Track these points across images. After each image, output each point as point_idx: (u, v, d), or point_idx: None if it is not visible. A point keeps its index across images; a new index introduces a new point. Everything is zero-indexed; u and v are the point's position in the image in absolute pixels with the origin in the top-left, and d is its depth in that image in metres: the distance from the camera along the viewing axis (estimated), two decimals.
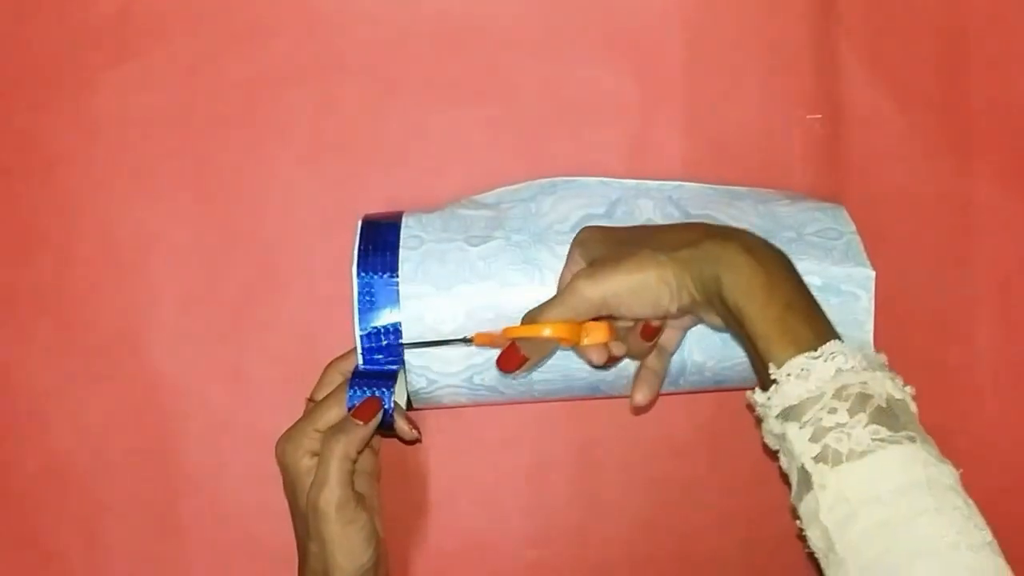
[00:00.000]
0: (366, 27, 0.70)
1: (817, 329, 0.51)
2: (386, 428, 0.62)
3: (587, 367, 0.60)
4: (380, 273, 0.62)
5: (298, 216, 0.70)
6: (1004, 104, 0.71)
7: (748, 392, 0.52)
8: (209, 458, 0.69)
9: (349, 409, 0.60)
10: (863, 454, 0.47)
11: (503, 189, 0.67)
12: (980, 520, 0.47)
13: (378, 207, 0.67)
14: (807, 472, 0.48)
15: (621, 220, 0.64)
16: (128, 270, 0.69)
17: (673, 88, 0.70)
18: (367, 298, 0.62)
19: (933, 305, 0.71)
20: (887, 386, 0.49)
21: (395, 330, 0.62)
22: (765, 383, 0.51)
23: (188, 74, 0.70)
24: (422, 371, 0.62)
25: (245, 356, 0.69)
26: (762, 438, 0.52)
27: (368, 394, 0.61)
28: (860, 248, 0.63)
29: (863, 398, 0.48)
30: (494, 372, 0.60)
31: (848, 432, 0.47)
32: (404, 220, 0.64)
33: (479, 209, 0.65)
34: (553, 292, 0.61)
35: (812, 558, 0.49)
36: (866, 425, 0.47)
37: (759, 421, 0.52)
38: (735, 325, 0.52)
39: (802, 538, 0.49)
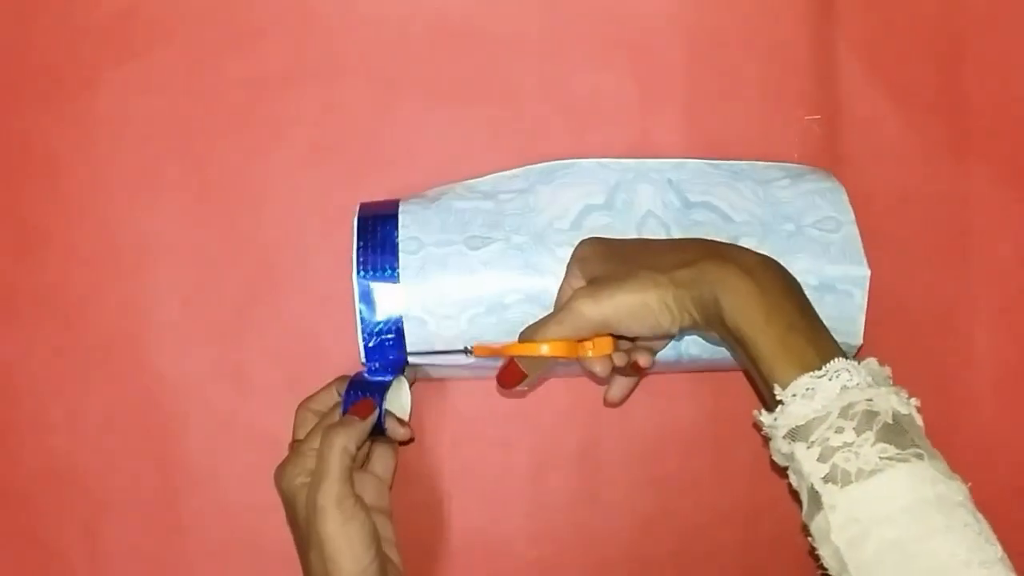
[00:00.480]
0: (366, 27, 0.70)
1: (820, 348, 0.51)
2: (378, 432, 0.62)
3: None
4: (380, 276, 0.62)
5: (298, 216, 0.70)
6: (1003, 104, 0.71)
7: (755, 412, 0.52)
8: (209, 458, 0.69)
9: (344, 410, 0.61)
10: (872, 473, 0.47)
11: (499, 174, 0.66)
12: (991, 536, 0.47)
13: None
14: (817, 492, 0.48)
15: (621, 211, 0.63)
16: (128, 270, 0.69)
17: (673, 88, 0.70)
18: (368, 302, 0.62)
19: (932, 305, 0.71)
20: (892, 401, 0.49)
21: (397, 332, 0.62)
22: (770, 404, 0.51)
23: (188, 74, 0.70)
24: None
25: (245, 356, 0.69)
26: (770, 456, 0.52)
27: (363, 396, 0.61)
28: (857, 243, 0.63)
29: (869, 415, 0.48)
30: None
31: (856, 451, 0.47)
32: (401, 218, 0.63)
33: (475, 199, 0.64)
34: (554, 293, 0.61)
35: None
36: (873, 443, 0.47)
37: (767, 440, 0.52)
38: (737, 346, 0.52)
39: (815, 556, 0.49)
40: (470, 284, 0.62)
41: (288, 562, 0.61)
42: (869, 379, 0.49)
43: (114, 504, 0.69)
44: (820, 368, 0.49)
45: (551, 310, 0.60)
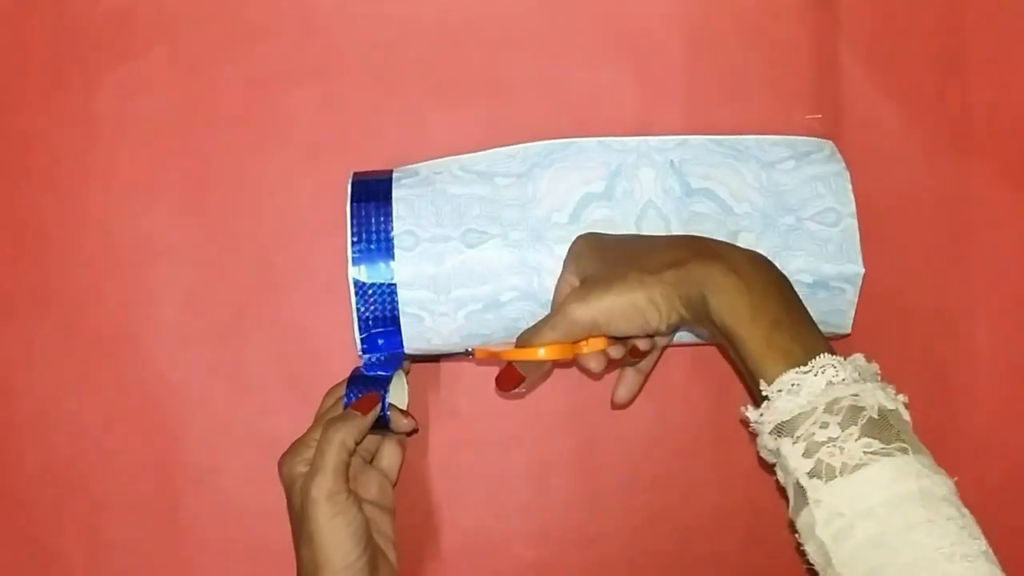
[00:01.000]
0: (366, 27, 0.70)
1: (806, 343, 0.51)
2: (382, 426, 0.62)
3: None
4: (375, 271, 0.62)
5: (298, 216, 0.70)
6: (1003, 104, 0.71)
7: (742, 408, 0.53)
8: (209, 458, 0.69)
9: (346, 406, 0.61)
10: (856, 468, 0.47)
11: (495, 151, 0.65)
12: (975, 529, 0.47)
13: None
14: (802, 487, 0.49)
15: (620, 200, 0.63)
16: (128, 270, 0.69)
17: (673, 87, 0.70)
18: (364, 299, 0.62)
19: (932, 305, 0.71)
20: (879, 397, 0.49)
21: (393, 325, 0.62)
22: (757, 400, 0.51)
23: (188, 74, 0.70)
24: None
25: (245, 356, 0.69)
26: (757, 453, 0.52)
27: (366, 391, 0.61)
28: (855, 238, 0.63)
29: (855, 411, 0.48)
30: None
31: (840, 446, 0.48)
32: (396, 207, 0.62)
33: (471, 183, 0.63)
34: (551, 290, 0.61)
35: (812, 572, 0.49)
36: (858, 438, 0.48)
37: (754, 436, 0.52)
38: (725, 343, 0.53)
39: (801, 552, 0.50)
40: (467, 281, 0.62)
41: (288, 562, 0.61)
42: (855, 375, 0.50)
43: (114, 504, 0.69)
44: (806, 364, 0.50)
45: (548, 307, 0.61)
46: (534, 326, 0.58)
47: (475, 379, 0.69)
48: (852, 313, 0.64)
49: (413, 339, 0.62)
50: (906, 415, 0.50)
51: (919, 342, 0.70)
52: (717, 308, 0.52)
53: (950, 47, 0.71)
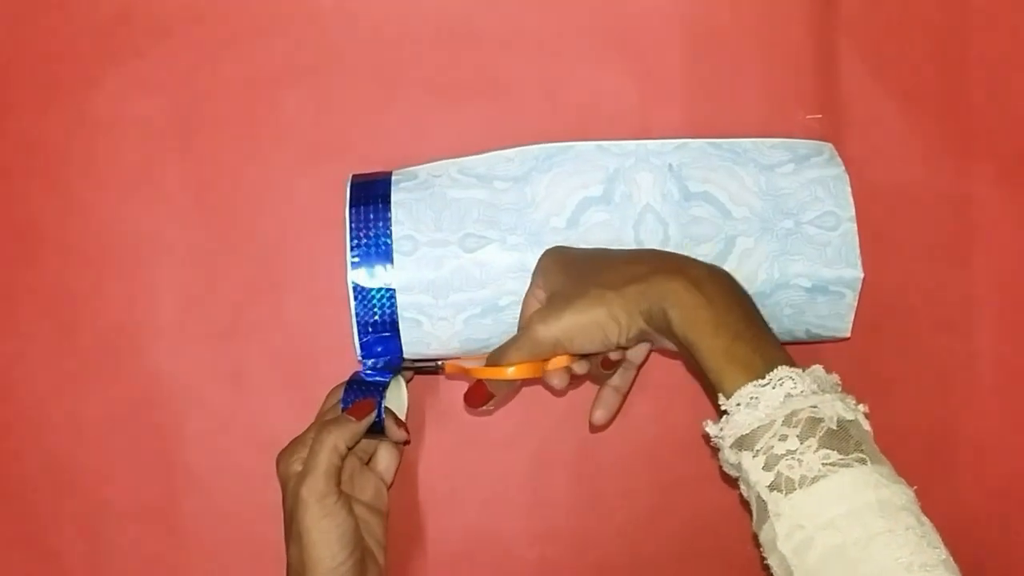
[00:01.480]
0: (366, 27, 0.70)
1: (766, 355, 0.51)
2: (377, 431, 0.62)
3: None
4: (374, 275, 0.62)
5: (298, 216, 0.70)
6: (1004, 104, 0.71)
7: (703, 422, 0.53)
8: (209, 458, 0.69)
9: (342, 410, 0.61)
10: (815, 480, 0.47)
11: (494, 154, 0.65)
12: (935, 538, 0.47)
13: None
14: (763, 501, 0.49)
15: (619, 205, 0.63)
16: (128, 270, 0.69)
17: (673, 87, 0.70)
18: (363, 303, 0.62)
19: (933, 305, 0.71)
20: (837, 408, 0.49)
21: (392, 329, 0.62)
22: (719, 413, 0.51)
23: (188, 74, 0.70)
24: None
25: (245, 356, 0.69)
26: (720, 468, 0.53)
27: (363, 396, 0.61)
28: (854, 242, 0.63)
29: (813, 422, 0.48)
30: None
31: (799, 458, 0.48)
32: (395, 212, 0.62)
33: (469, 187, 0.63)
34: None
35: None
36: (816, 450, 0.48)
37: (716, 451, 0.52)
38: (688, 356, 0.53)
39: (765, 567, 0.50)
40: (465, 286, 0.62)
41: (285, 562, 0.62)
42: (814, 386, 0.50)
43: (114, 504, 0.69)
44: (764, 376, 0.50)
45: None
46: (502, 346, 0.58)
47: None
48: (851, 317, 0.64)
49: (412, 344, 0.62)
50: (866, 425, 0.50)
51: (919, 343, 0.70)
52: (679, 322, 0.52)
53: (950, 47, 0.71)
